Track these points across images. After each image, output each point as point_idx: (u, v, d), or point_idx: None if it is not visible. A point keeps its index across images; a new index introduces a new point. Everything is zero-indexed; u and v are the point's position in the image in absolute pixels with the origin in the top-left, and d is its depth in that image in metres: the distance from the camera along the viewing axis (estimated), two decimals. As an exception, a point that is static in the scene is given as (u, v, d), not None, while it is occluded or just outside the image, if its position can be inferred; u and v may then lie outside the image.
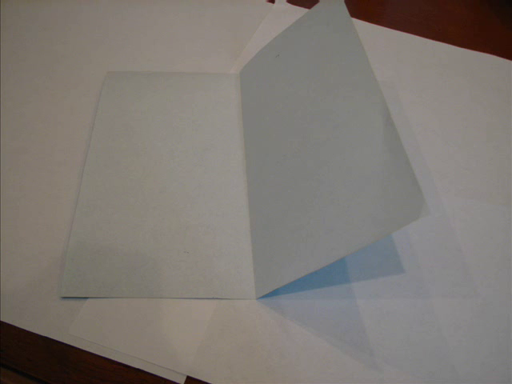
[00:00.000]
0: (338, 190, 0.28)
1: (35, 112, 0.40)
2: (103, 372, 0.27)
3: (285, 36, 0.39)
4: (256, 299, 0.29)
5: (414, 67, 0.45)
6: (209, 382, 0.26)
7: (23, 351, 0.27)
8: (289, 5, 0.50)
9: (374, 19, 0.50)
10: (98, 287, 0.29)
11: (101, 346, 0.27)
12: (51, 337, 0.27)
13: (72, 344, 0.27)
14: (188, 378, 0.26)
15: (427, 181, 0.36)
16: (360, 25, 0.49)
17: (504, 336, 0.28)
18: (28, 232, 0.32)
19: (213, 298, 0.29)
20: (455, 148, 0.38)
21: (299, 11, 0.49)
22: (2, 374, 0.27)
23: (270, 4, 0.51)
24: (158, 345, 0.27)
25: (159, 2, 0.50)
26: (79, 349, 0.27)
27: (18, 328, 0.28)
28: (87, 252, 0.31)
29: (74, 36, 0.47)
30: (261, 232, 0.31)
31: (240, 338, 0.28)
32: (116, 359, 0.27)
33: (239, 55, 0.45)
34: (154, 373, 0.26)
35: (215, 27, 0.48)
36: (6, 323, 0.28)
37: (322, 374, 0.27)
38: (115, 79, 0.42)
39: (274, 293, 0.30)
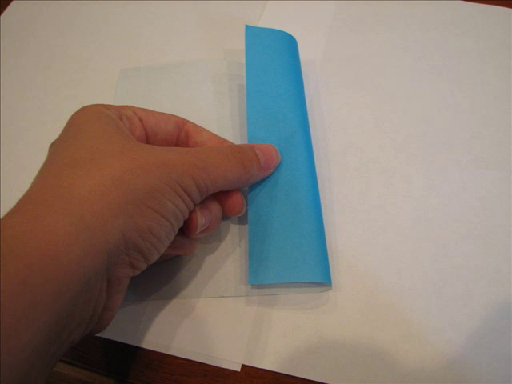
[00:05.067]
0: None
1: (49, 115, 0.42)
2: (170, 367, 0.32)
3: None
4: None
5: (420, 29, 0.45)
6: (260, 367, 0.31)
7: (103, 356, 0.32)
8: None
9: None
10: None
11: (165, 345, 0.32)
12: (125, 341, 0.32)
13: (141, 346, 0.32)
14: (243, 365, 0.31)
15: (436, 153, 0.38)
16: None
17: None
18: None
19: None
20: (463, 116, 0.40)
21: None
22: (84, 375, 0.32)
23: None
24: (211, 340, 0.32)
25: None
26: (148, 349, 0.32)
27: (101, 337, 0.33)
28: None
29: (85, 35, 0.48)
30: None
31: (283, 326, 0.32)
32: (180, 355, 0.32)
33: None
34: (214, 364, 0.31)
35: (222, 19, 0.48)
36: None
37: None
38: (128, 76, 0.44)
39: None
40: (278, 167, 0.34)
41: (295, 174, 0.34)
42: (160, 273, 0.34)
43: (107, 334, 0.32)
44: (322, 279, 0.32)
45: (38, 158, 0.39)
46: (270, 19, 0.47)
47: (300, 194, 0.34)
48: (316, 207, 0.34)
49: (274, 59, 0.39)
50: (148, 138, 0.32)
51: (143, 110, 0.32)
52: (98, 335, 0.32)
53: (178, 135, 0.34)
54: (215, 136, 0.34)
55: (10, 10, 0.50)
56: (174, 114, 0.34)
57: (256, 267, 0.32)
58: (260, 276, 0.32)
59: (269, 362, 0.31)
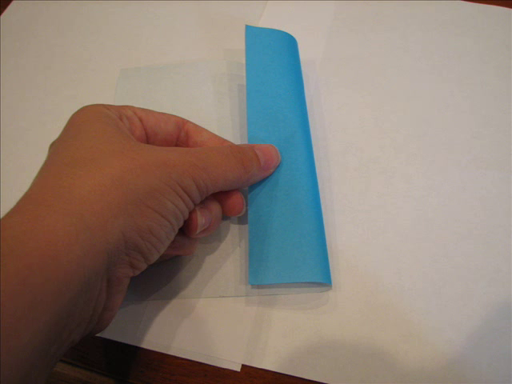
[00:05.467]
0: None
1: (49, 115, 0.42)
2: (170, 367, 0.32)
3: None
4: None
5: (420, 29, 0.45)
6: (260, 367, 0.31)
7: (103, 356, 0.32)
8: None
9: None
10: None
11: (165, 345, 0.32)
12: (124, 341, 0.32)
13: (141, 346, 0.32)
14: (243, 365, 0.31)
15: (436, 153, 0.38)
16: None
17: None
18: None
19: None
20: (463, 116, 0.40)
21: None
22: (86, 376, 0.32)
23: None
24: (211, 340, 0.32)
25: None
26: (148, 349, 0.32)
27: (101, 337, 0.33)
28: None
29: (85, 35, 0.48)
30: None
31: (283, 326, 0.32)
32: (180, 355, 0.32)
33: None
34: (214, 364, 0.31)
35: (222, 18, 0.48)
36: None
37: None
38: (128, 76, 0.44)
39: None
40: (278, 167, 0.34)
41: (295, 174, 0.34)
42: (160, 273, 0.34)
43: (107, 334, 0.32)
44: (322, 279, 0.32)
45: (37, 158, 0.39)
46: (269, 19, 0.47)
47: (300, 194, 0.34)
48: (316, 207, 0.34)
49: (274, 59, 0.39)
50: (148, 138, 0.32)
51: (143, 109, 0.32)
52: (98, 335, 0.32)
53: (178, 135, 0.34)
54: (215, 136, 0.34)
55: (9, 10, 0.50)
56: (174, 114, 0.34)
57: (256, 267, 0.32)
58: (260, 276, 0.32)
59: (269, 362, 0.31)
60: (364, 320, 0.32)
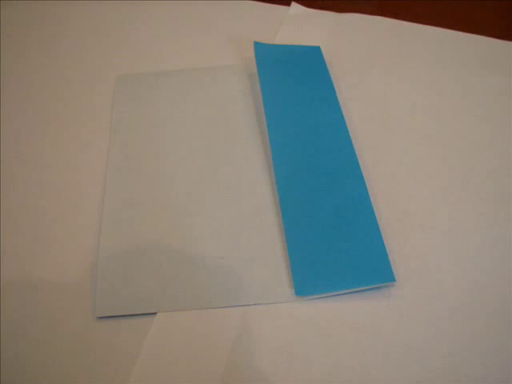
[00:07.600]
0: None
1: (47, 125, 0.40)
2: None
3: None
4: (294, 301, 0.28)
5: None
6: None
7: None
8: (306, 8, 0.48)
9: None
10: (134, 303, 0.28)
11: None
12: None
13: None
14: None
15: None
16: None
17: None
18: (53, 253, 0.32)
19: (254, 305, 0.28)
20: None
21: (318, 15, 0.47)
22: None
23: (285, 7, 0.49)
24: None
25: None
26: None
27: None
28: (118, 267, 0.30)
29: (86, 36, 0.47)
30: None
31: (280, 341, 0.27)
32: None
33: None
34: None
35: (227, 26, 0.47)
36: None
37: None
38: (126, 83, 0.42)
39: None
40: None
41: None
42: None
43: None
44: (386, 279, 0.28)
45: (38, 158, 0.37)
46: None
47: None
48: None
49: (290, 83, 0.38)
50: None
51: None
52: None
53: None
54: None
55: (7, 12, 0.49)
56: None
57: (300, 275, 0.28)
58: (308, 286, 0.28)
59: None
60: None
